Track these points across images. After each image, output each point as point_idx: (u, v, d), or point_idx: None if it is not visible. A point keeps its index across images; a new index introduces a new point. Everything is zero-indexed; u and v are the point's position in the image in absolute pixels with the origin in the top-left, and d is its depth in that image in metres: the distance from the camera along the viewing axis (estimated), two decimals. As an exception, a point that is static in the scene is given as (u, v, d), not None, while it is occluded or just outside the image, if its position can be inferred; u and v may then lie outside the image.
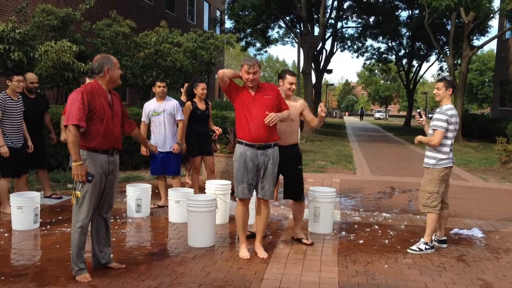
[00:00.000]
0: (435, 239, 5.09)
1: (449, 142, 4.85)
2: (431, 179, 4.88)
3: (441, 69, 38.23)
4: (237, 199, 4.51)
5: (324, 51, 31.58)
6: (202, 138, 6.69)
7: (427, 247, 4.84)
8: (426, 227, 4.91)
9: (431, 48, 33.01)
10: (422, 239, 4.91)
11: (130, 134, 4.29)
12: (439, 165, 4.84)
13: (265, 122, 4.26)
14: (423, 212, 5.01)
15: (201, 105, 6.68)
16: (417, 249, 4.84)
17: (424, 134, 5.18)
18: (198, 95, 6.61)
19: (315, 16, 28.22)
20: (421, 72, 38.01)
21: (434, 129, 4.81)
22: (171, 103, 6.29)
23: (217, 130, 6.96)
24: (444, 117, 4.77)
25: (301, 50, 21.27)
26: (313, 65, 26.95)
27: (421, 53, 35.54)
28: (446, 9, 16.94)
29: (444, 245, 5.03)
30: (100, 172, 3.79)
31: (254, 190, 4.52)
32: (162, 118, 6.28)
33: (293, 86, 4.92)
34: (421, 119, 5.25)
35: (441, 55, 28.54)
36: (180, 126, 6.31)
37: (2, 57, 9.01)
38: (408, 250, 4.84)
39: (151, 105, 6.39)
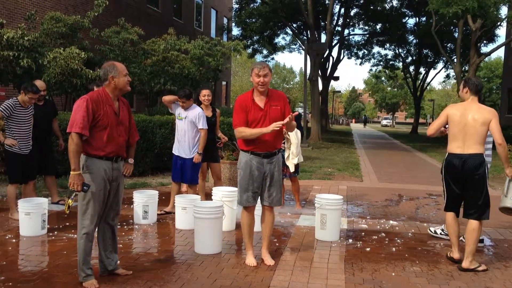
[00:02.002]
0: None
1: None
2: None
3: (448, 76, 38.20)
4: (241, 206, 4.51)
5: (331, 58, 31.66)
6: (208, 144, 6.70)
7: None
8: None
9: (438, 55, 32.98)
10: None
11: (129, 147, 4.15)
12: None
13: (280, 124, 4.15)
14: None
15: (208, 112, 6.73)
16: None
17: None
18: (203, 102, 6.69)
19: (322, 23, 28.33)
20: (428, 79, 37.89)
21: None
22: (194, 112, 6.29)
23: (223, 138, 6.97)
24: None
25: (308, 57, 21.30)
26: (320, 72, 26.97)
27: (428, 60, 35.51)
28: (453, 16, 16.92)
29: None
30: (104, 178, 3.79)
31: (259, 197, 4.51)
32: (183, 125, 6.31)
33: None
34: None
35: (449, 62, 28.48)
36: (202, 135, 6.29)
37: (11, 63, 9.09)
38: None
39: (179, 108, 6.42)
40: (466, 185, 4.56)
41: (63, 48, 9.95)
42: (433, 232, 5.74)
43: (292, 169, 6.79)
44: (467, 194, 4.60)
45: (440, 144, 22.77)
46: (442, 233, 5.65)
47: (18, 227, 5.35)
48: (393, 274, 4.34)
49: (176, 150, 6.43)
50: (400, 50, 36.22)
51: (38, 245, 4.95)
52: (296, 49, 34.16)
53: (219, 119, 6.96)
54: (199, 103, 6.77)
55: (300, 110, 38.69)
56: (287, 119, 4.18)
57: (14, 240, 5.06)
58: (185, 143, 6.32)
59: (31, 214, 5.19)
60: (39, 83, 6.42)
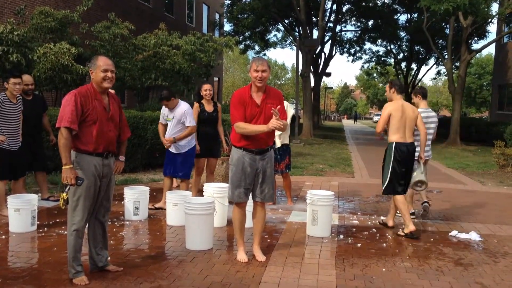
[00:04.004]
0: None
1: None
2: None
3: (439, 73, 38.35)
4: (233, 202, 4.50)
5: (323, 54, 31.64)
6: (209, 139, 6.69)
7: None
8: None
9: (429, 52, 33.06)
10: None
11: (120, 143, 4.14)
12: None
13: (280, 124, 4.08)
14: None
15: (209, 107, 6.71)
16: None
17: None
18: (204, 97, 6.66)
19: (314, 19, 28.27)
20: (419, 76, 37.83)
21: None
22: (180, 110, 6.24)
23: (224, 146, 7.00)
24: None
25: (300, 53, 21.29)
26: (312, 68, 26.99)
27: (420, 56, 35.60)
28: (445, 13, 16.97)
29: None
30: (94, 175, 3.76)
31: (250, 193, 4.50)
32: (172, 125, 6.31)
33: None
34: None
35: (440, 59, 28.59)
36: (188, 129, 6.21)
37: (0, 59, 9.00)
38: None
39: (165, 110, 6.42)
40: (408, 167, 5.64)
41: (53, 43, 9.87)
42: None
43: (278, 144, 6.74)
44: (407, 173, 5.66)
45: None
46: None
47: (8, 224, 5.30)
48: (384, 269, 4.36)
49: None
50: (391, 47, 36.28)
51: (27, 241, 4.91)
52: (288, 45, 34.16)
53: (220, 114, 6.91)
54: (200, 98, 6.73)
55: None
56: (278, 107, 4.16)
57: (3, 237, 5.02)
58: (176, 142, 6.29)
59: (21, 210, 5.15)
60: (25, 77, 6.32)
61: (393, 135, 5.57)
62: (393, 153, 5.55)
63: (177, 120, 6.23)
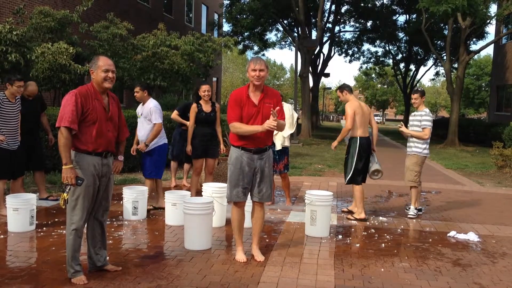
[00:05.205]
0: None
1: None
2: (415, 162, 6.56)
3: (437, 73, 38.36)
4: (232, 202, 4.50)
5: (321, 54, 31.67)
6: (207, 140, 6.68)
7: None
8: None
9: (428, 53, 33.09)
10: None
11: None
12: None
13: (274, 124, 4.12)
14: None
15: (207, 107, 6.69)
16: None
17: None
18: (202, 98, 6.65)
19: (313, 20, 28.30)
20: (418, 76, 37.79)
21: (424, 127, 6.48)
22: (146, 107, 6.21)
23: (222, 147, 6.99)
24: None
25: (299, 53, 21.30)
26: (310, 68, 26.99)
27: (418, 57, 35.63)
28: (443, 14, 16.98)
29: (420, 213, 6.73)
30: (93, 174, 3.76)
31: (249, 193, 4.51)
32: (140, 122, 6.30)
33: None
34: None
35: (438, 60, 28.63)
36: (154, 128, 6.14)
37: (-1, 58, 9.00)
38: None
39: (138, 108, 6.44)
40: (368, 158, 6.33)
41: (51, 43, 9.86)
42: (411, 214, 6.55)
43: (278, 147, 6.75)
44: (365, 164, 6.33)
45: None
46: (415, 210, 6.56)
47: (6, 223, 5.30)
48: (382, 270, 4.36)
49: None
50: (390, 47, 36.31)
51: (26, 241, 4.91)
52: (287, 45, 34.12)
53: (219, 114, 6.88)
54: (198, 98, 6.72)
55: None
56: (277, 109, 4.19)
57: (2, 236, 5.02)
58: (142, 138, 6.26)
59: (19, 209, 5.15)
60: (31, 88, 6.39)
61: (357, 130, 6.21)
62: (358, 146, 6.22)
63: (144, 116, 6.21)
